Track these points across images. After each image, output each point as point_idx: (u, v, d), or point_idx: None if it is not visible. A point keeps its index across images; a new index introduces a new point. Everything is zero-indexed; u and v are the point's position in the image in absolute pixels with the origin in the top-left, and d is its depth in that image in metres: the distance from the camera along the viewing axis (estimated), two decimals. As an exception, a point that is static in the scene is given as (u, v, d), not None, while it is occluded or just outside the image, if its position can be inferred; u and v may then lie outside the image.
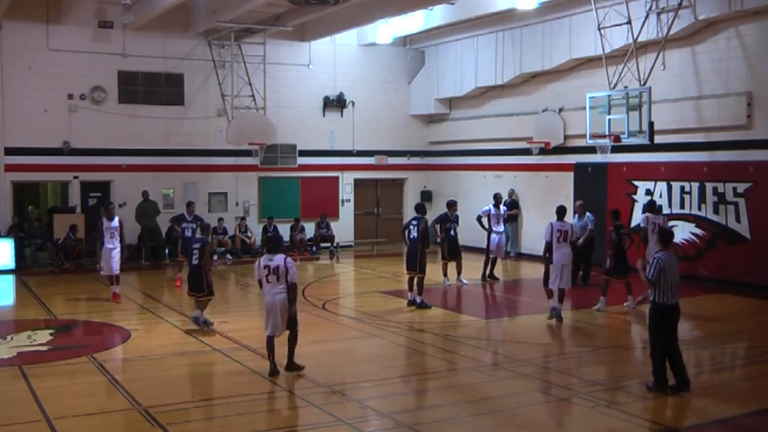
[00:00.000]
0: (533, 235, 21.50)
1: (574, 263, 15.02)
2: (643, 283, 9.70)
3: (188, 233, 16.76)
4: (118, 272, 15.42)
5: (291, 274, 9.75)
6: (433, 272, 16.15)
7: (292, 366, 9.90)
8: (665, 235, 9.62)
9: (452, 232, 16.99)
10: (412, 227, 14.85)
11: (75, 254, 20.05)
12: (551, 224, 13.56)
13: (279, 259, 9.80)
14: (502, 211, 18.52)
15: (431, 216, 17.97)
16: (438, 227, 17.06)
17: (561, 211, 13.86)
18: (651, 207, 15.36)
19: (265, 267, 9.81)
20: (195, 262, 12.60)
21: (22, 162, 20.45)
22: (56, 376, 10.18)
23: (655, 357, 9.23)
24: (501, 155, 23.21)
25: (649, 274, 9.13)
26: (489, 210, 18.28)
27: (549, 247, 13.42)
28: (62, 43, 20.76)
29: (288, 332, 9.92)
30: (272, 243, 10.18)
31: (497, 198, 18.67)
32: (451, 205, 17.20)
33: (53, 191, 24.50)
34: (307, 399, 9.02)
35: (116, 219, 15.56)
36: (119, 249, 15.38)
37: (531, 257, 21.14)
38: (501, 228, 18.32)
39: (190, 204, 17.72)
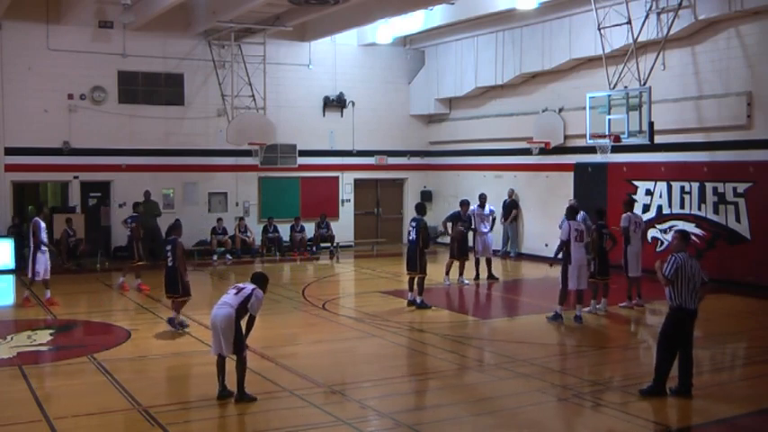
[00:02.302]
0: (534, 235, 21.56)
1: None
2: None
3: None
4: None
5: (252, 304, 8.85)
6: (434, 272, 16.15)
7: (243, 397, 8.86)
8: (684, 236, 9.48)
9: (464, 231, 17.03)
10: (411, 228, 14.85)
11: (78, 253, 20.05)
12: (569, 223, 13.41)
13: (250, 286, 9.03)
14: (486, 212, 18.42)
15: (432, 216, 18.00)
16: (450, 225, 17.08)
17: (575, 211, 13.81)
18: (630, 205, 15.32)
19: (234, 287, 9.10)
20: (170, 263, 12.46)
21: (22, 162, 20.46)
22: (56, 376, 10.19)
23: (659, 357, 9.16)
24: (501, 155, 23.21)
25: (667, 271, 8.94)
26: (474, 210, 18.19)
27: (566, 246, 13.30)
28: (62, 43, 20.76)
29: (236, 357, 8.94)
30: (257, 277, 9.33)
31: (482, 198, 18.58)
32: (464, 204, 17.27)
33: (53, 191, 24.49)
34: (307, 399, 9.01)
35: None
36: None
37: (532, 258, 21.17)
38: (486, 228, 18.22)
39: (137, 205, 17.61)
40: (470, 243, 17.84)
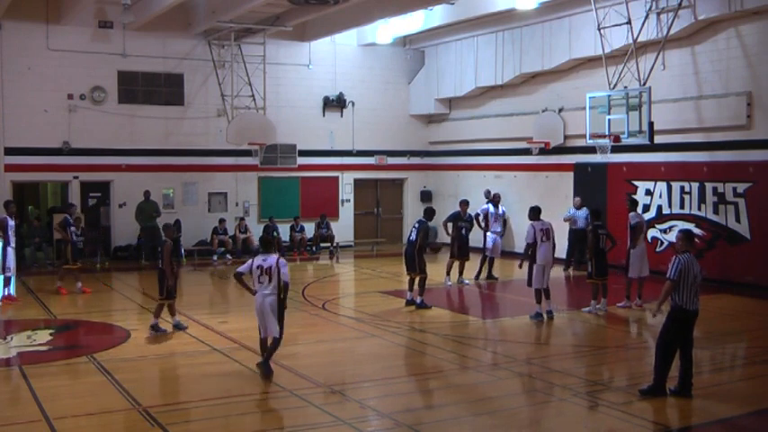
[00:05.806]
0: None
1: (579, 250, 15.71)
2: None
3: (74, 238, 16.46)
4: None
5: (284, 274, 9.64)
6: (434, 272, 16.16)
7: (264, 366, 9.72)
8: (687, 236, 9.45)
9: (464, 231, 17.04)
10: (413, 229, 14.90)
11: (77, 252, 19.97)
12: (533, 225, 13.63)
13: (272, 260, 9.73)
14: (500, 212, 18.53)
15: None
16: (450, 225, 17.10)
17: (539, 211, 13.93)
18: (634, 204, 15.30)
19: (258, 267, 9.75)
20: (160, 265, 12.50)
21: (22, 162, 20.44)
22: (56, 376, 10.18)
23: (659, 358, 9.14)
24: (501, 155, 23.20)
25: (670, 273, 8.93)
26: (487, 209, 18.27)
27: (533, 248, 13.52)
28: (62, 43, 20.75)
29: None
30: (266, 243, 10.18)
31: (495, 198, 18.63)
32: (464, 204, 17.27)
33: (53, 191, 24.48)
34: (307, 399, 9.02)
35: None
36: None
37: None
38: (499, 228, 18.31)
39: (71, 206, 17.45)
40: (471, 243, 17.82)
